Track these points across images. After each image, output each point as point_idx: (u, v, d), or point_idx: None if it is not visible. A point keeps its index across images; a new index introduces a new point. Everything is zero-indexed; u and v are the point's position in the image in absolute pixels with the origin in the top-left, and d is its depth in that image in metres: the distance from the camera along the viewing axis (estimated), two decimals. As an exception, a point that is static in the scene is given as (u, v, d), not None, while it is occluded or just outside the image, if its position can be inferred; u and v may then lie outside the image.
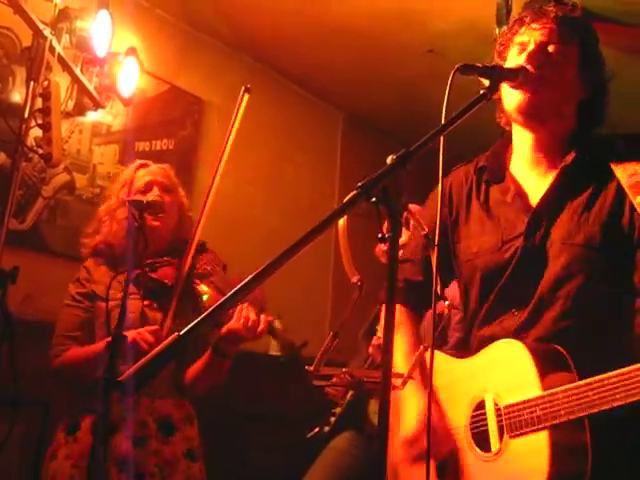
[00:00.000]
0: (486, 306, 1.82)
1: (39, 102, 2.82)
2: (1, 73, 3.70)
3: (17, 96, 3.69)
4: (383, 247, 3.91)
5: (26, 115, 2.74)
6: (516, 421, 1.63)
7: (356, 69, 5.12)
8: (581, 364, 1.57)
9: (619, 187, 1.67)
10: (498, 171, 1.88)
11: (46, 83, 2.85)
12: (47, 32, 2.90)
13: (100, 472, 1.97)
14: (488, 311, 1.82)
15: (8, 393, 2.35)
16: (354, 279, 1.33)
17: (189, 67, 4.66)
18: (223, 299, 1.06)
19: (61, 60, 3.15)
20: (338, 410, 3.36)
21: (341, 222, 1.35)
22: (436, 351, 1.94)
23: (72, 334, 2.55)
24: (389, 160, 1.35)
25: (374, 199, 1.30)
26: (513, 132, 1.88)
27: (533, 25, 1.77)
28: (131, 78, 3.83)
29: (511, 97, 1.76)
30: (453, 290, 2.07)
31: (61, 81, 3.06)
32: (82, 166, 4.04)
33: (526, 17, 1.80)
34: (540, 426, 1.57)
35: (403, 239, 3.37)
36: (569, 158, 1.76)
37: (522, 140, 1.85)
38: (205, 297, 2.36)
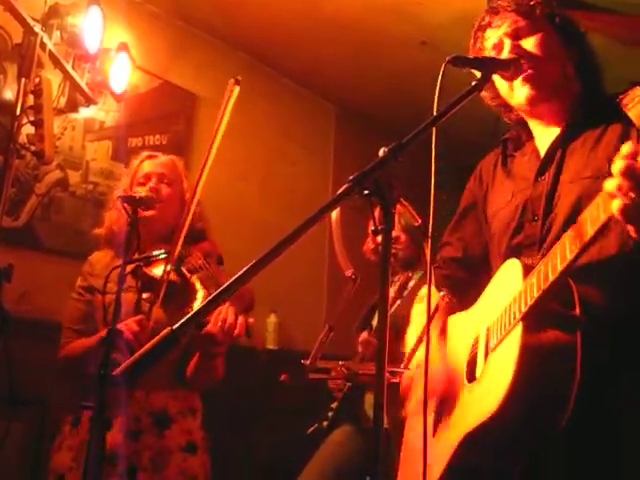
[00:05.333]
0: (500, 259, 1.78)
1: (31, 99, 2.80)
2: (-8, 70, 3.69)
3: (8, 93, 3.67)
4: (371, 245, 3.91)
5: (18, 112, 2.72)
6: (496, 329, 1.57)
7: (349, 62, 5.11)
8: (589, 299, 1.50)
9: (627, 120, 1.61)
10: (519, 139, 1.91)
11: (37, 80, 2.83)
12: (38, 29, 2.88)
13: (97, 469, 1.96)
14: (502, 263, 1.77)
15: (5, 392, 2.35)
16: (348, 272, 1.33)
17: (181, 62, 4.65)
18: (217, 292, 1.06)
19: (52, 57, 3.13)
20: (335, 405, 3.37)
21: (334, 215, 1.35)
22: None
23: (75, 327, 2.58)
24: (381, 153, 1.35)
25: (367, 192, 1.30)
26: (527, 119, 1.88)
27: (495, 24, 1.79)
28: (123, 74, 3.82)
29: (519, 92, 1.76)
30: None
31: (53, 78, 3.04)
32: (75, 163, 4.03)
33: (483, 20, 1.83)
34: (515, 320, 1.48)
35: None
36: (577, 113, 1.76)
37: (535, 122, 1.86)
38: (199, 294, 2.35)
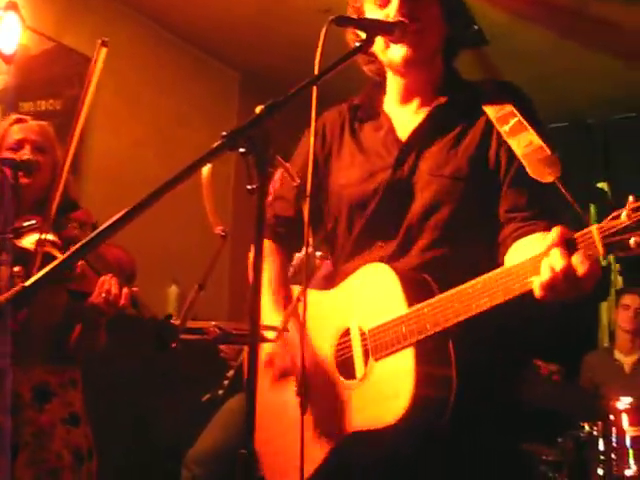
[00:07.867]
0: (352, 239, 1.80)
1: None
2: None
3: None
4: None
5: None
6: (381, 342, 1.60)
7: (252, 28, 5.05)
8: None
9: (488, 122, 1.72)
10: (372, 109, 1.89)
11: None
12: None
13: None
14: (354, 244, 1.80)
15: None
16: (218, 229, 1.31)
17: (75, 24, 4.47)
18: (70, 252, 1.03)
19: None
20: (231, 373, 3.36)
21: (205, 171, 1.33)
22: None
23: None
24: (257, 110, 1.33)
25: (242, 150, 1.29)
26: (388, 78, 1.88)
27: None
28: (12, 34, 3.70)
29: (395, 51, 1.74)
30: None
31: None
32: (-40, 127, 3.84)
33: None
34: (406, 343, 1.55)
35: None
36: (442, 99, 1.78)
37: (397, 83, 1.86)
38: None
